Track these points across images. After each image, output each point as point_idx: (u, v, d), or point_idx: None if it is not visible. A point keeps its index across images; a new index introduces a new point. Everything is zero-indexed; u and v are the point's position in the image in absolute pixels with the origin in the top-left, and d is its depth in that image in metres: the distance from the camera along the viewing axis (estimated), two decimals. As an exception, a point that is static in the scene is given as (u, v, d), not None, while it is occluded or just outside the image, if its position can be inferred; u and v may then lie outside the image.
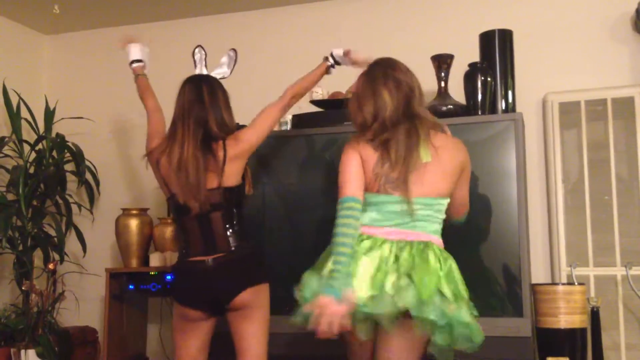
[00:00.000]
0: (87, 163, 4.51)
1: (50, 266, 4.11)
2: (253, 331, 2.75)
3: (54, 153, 4.47)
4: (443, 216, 2.48)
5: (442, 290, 2.25)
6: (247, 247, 2.82)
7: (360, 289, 2.24)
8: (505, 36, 3.60)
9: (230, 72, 3.13)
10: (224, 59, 3.11)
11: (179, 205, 2.76)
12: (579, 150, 3.71)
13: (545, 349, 3.23)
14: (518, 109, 3.62)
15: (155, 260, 4.05)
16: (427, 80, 3.72)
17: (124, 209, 4.21)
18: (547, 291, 3.20)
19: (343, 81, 3.91)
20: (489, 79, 3.47)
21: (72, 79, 4.91)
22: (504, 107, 3.53)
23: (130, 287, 4.06)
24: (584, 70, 3.87)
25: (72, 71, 4.93)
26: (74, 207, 4.52)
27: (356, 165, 2.42)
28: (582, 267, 3.58)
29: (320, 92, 3.76)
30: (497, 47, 3.57)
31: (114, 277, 4.08)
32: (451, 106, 3.46)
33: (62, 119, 4.56)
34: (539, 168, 3.85)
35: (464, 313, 2.26)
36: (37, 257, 4.33)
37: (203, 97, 2.83)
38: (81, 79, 4.89)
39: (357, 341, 2.39)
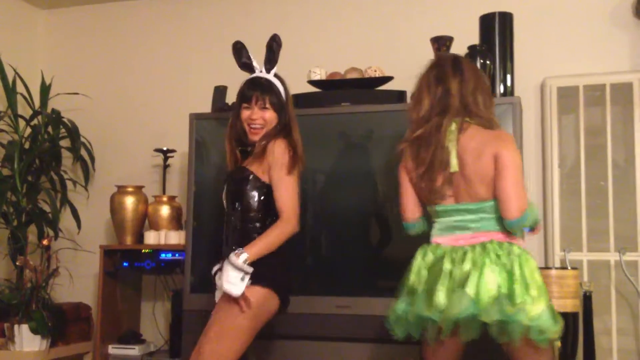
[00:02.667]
0: (82, 139, 4.48)
1: (45, 242, 4.10)
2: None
3: (50, 129, 4.44)
4: (497, 214, 2.47)
5: (501, 291, 2.31)
6: None
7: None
8: (506, 19, 3.58)
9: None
10: None
11: None
12: (576, 135, 3.70)
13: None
14: (516, 92, 3.61)
15: (150, 238, 4.04)
16: (426, 62, 3.74)
17: (119, 186, 4.20)
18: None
19: (341, 62, 3.90)
20: (488, 62, 3.45)
21: (68, 54, 4.88)
22: (502, 91, 3.52)
23: (125, 264, 4.06)
24: (583, 55, 3.85)
25: (68, 46, 4.89)
26: (69, 184, 4.51)
27: (405, 186, 2.63)
28: (575, 251, 3.58)
29: (319, 72, 3.74)
30: (497, 29, 3.55)
31: (108, 254, 4.08)
32: (449, 88, 3.44)
33: (58, 94, 4.53)
34: (535, 152, 3.85)
35: (521, 312, 2.28)
36: (32, 232, 4.33)
37: None
38: (77, 54, 4.85)
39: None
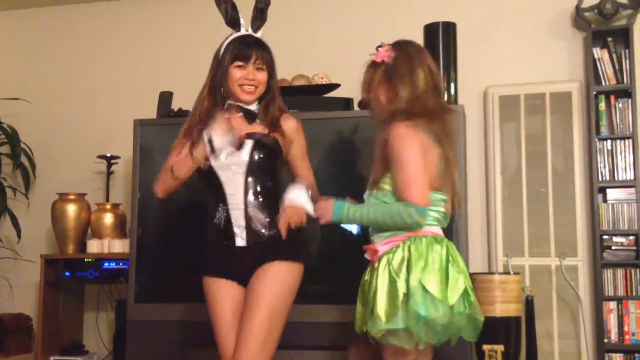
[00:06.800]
0: (22, 145, 4.38)
1: (-17, 251, 3.99)
2: None
3: (-12, 135, 4.34)
4: None
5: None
6: None
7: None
8: (449, 29, 3.64)
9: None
10: None
11: None
12: (517, 142, 3.78)
13: (480, 336, 3.29)
14: (460, 101, 3.66)
15: (93, 246, 3.97)
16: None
17: (60, 194, 4.11)
18: (483, 280, 3.26)
19: (288, 69, 3.90)
20: (432, 70, 3.50)
21: (8, 58, 4.75)
22: (446, 99, 3.57)
23: (66, 274, 3.98)
24: (524, 64, 3.95)
25: (8, 51, 4.77)
26: (9, 191, 4.39)
27: (421, 165, 2.19)
28: (517, 257, 3.66)
29: (265, 79, 3.72)
30: (440, 39, 3.61)
31: (50, 263, 3.98)
32: (395, 96, 3.48)
33: (-3, 99, 4.42)
34: (478, 160, 3.91)
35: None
36: (-31, 241, 4.21)
37: None
38: (18, 59, 4.74)
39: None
